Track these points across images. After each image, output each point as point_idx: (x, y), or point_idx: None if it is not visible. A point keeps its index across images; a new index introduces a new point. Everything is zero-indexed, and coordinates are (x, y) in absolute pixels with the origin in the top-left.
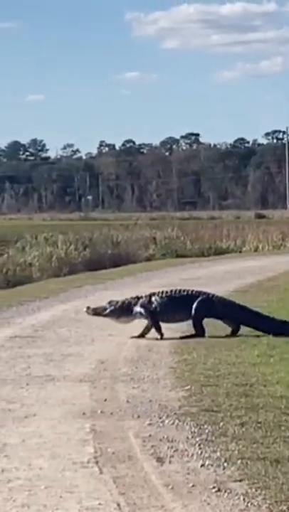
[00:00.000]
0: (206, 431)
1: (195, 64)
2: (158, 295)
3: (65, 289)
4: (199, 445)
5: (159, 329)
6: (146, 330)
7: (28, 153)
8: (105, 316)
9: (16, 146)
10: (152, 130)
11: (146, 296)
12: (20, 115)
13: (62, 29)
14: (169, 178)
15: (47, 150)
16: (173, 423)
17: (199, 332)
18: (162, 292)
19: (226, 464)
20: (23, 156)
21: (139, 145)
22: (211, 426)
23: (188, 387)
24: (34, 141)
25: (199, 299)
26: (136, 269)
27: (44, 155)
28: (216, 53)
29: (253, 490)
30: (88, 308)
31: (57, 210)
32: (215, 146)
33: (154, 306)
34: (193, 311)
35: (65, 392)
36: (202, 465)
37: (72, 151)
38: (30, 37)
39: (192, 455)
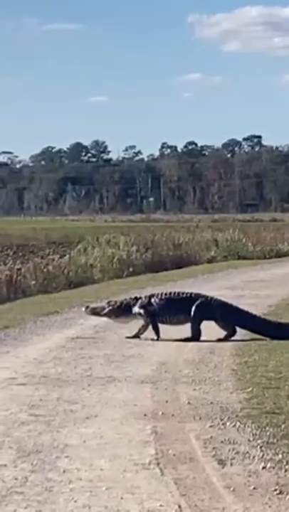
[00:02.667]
0: (268, 433)
1: (257, 66)
2: (157, 296)
3: (127, 291)
4: (261, 447)
5: (157, 330)
6: (142, 330)
7: (90, 154)
8: (104, 315)
9: (78, 148)
10: (214, 132)
11: (145, 297)
12: (83, 117)
13: (125, 31)
14: (231, 180)
15: (109, 152)
16: (234, 425)
17: (195, 335)
18: (162, 294)
19: (287, 467)
20: (85, 158)
21: (201, 147)
22: (272, 428)
23: (250, 389)
24: (96, 143)
25: (198, 301)
26: (197, 271)
27: (106, 157)
28: (279, 56)
29: None
30: (87, 307)
31: (118, 212)
32: (277, 148)
33: (153, 307)
34: (192, 314)
35: (126, 393)
36: (263, 467)
37: (134, 152)
38: (93, 39)
39: (253, 457)
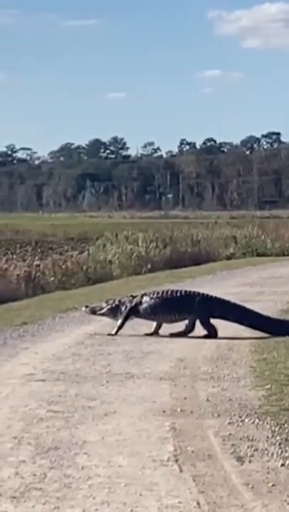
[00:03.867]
0: (287, 430)
1: (276, 63)
2: (149, 295)
3: (145, 287)
4: (279, 444)
5: (120, 327)
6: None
7: (108, 151)
8: (102, 314)
9: (96, 144)
10: (233, 129)
11: (140, 296)
12: (102, 113)
13: (144, 27)
14: (250, 177)
15: (128, 148)
16: (253, 422)
17: (212, 332)
18: (154, 292)
19: None
20: (104, 154)
21: (220, 143)
22: None
23: (269, 386)
24: (115, 139)
25: (197, 299)
26: (216, 268)
27: (125, 153)
28: None
29: None
30: (86, 307)
31: (137, 209)
32: None
33: (144, 306)
34: (196, 313)
35: (145, 389)
36: (282, 464)
37: (153, 149)
38: (111, 34)
39: (272, 454)
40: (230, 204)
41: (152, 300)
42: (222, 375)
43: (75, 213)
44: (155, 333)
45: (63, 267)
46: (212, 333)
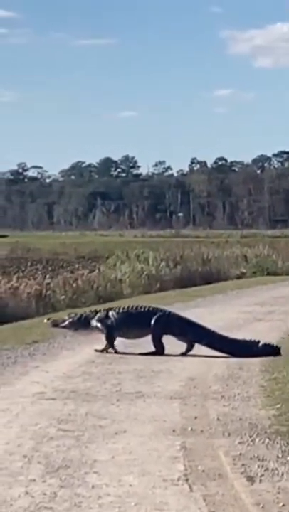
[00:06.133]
0: None
1: (288, 83)
2: (115, 310)
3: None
4: None
5: (112, 344)
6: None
7: (119, 169)
8: (64, 327)
9: (107, 163)
10: (244, 148)
11: (104, 311)
12: (113, 131)
13: (156, 45)
14: (261, 196)
15: (139, 167)
16: (263, 442)
17: (159, 349)
18: (120, 308)
19: None
20: (115, 173)
21: (231, 162)
22: None
23: (279, 405)
24: (126, 158)
25: (156, 316)
26: (227, 287)
27: (136, 172)
28: None
29: None
30: (48, 319)
31: (148, 227)
32: None
33: (110, 320)
34: (151, 329)
35: (155, 408)
36: None
37: (164, 168)
38: (123, 53)
39: (283, 474)
40: (241, 223)
41: (118, 315)
42: (232, 395)
43: (85, 232)
44: (106, 350)
45: (74, 285)
46: (159, 351)
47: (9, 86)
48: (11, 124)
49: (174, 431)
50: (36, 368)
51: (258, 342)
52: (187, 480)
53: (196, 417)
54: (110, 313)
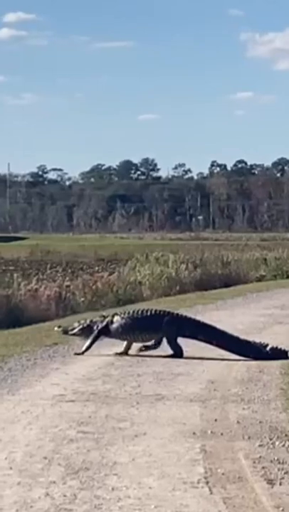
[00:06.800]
0: None
1: None
2: (120, 315)
3: (175, 309)
4: None
5: (88, 348)
6: (128, 346)
7: (139, 172)
8: (74, 335)
9: (127, 166)
10: (264, 151)
11: (111, 316)
12: (133, 134)
13: (176, 48)
14: (281, 199)
15: (158, 169)
16: (283, 445)
17: (177, 352)
18: (125, 312)
19: None
20: (135, 176)
21: (251, 165)
22: None
23: None
24: (146, 161)
25: (166, 318)
26: (246, 290)
27: (155, 174)
28: None
29: None
30: (59, 327)
31: (167, 230)
32: None
33: (115, 325)
34: (164, 332)
35: (175, 411)
36: None
37: (184, 170)
38: (143, 56)
39: None
40: (261, 226)
41: (123, 320)
42: (252, 397)
43: (105, 234)
44: (125, 353)
45: (93, 287)
46: (177, 353)
47: (29, 88)
48: (31, 126)
49: (193, 433)
50: (56, 370)
51: (267, 345)
52: (207, 483)
53: (216, 420)
54: (116, 318)
